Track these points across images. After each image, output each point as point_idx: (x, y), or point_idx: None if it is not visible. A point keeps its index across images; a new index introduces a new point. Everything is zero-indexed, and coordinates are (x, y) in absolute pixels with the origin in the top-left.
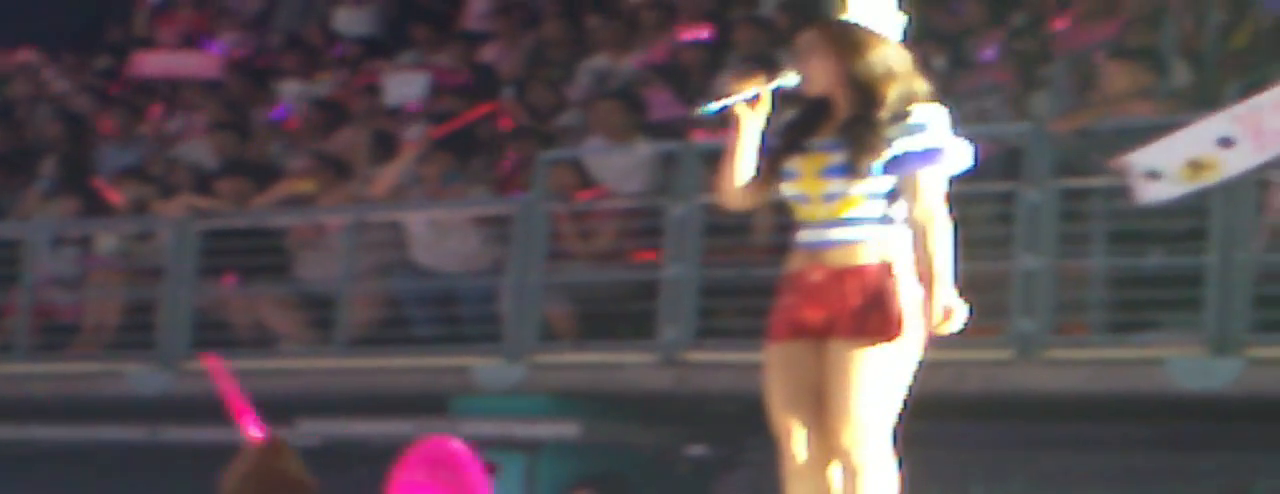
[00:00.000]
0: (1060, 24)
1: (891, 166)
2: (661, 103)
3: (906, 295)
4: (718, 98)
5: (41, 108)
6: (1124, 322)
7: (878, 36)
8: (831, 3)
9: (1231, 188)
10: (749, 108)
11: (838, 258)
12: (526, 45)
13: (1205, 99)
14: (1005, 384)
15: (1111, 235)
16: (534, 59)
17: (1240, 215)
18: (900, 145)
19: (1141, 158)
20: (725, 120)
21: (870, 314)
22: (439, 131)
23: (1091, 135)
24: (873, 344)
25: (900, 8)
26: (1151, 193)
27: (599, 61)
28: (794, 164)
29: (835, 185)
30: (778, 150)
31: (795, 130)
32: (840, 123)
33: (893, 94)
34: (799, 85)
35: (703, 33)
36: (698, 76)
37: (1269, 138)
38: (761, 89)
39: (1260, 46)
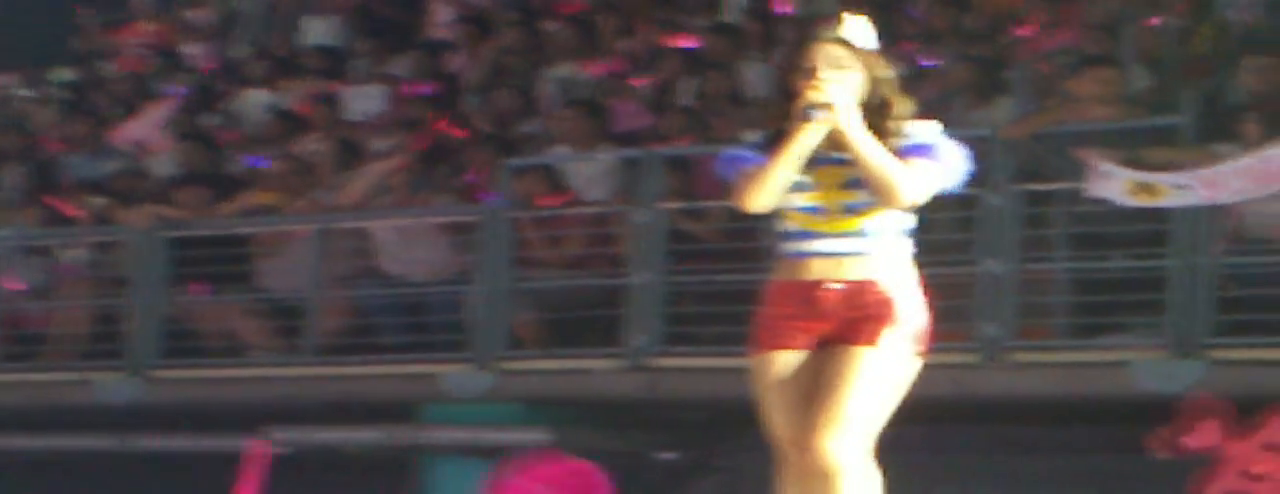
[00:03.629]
0: (1018, 30)
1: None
2: (627, 112)
3: (916, 310)
4: (809, 105)
5: (4, 120)
6: (1087, 325)
7: (874, 53)
8: (826, 20)
9: None
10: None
11: (854, 269)
12: (487, 54)
13: (1163, 104)
14: (971, 388)
15: (1073, 239)
16: (495, 67)
17: (1201, 219)
18: (900, 143)
19: (1102, 160)
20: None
21: (882, 324)
22: (414, 146)
23: (1051, 138)
24: (878, 352)
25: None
26: (1100, 188)
27: (562, 70)
28: (807, 176)
29: (859, 197)
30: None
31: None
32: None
33: (900, 109)
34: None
35: (676, 41)
36: (663, 85)
37: (1221, 189)
38: (838, 98)
39: (1220, 51)
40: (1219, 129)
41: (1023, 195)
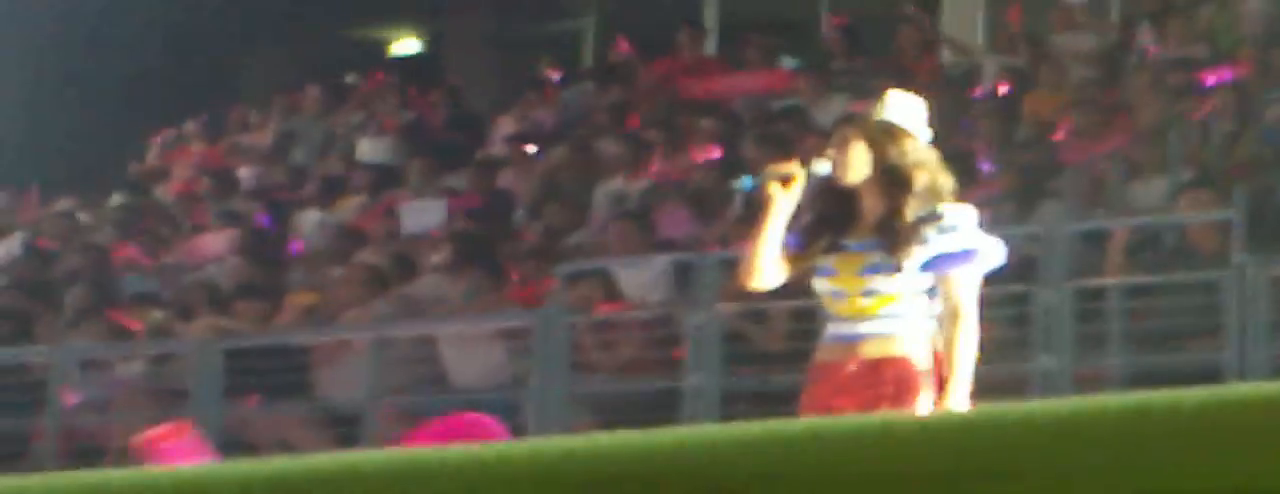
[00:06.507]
0: (1064, 137)
1: (929, 266)
2: (675, 222)
3: (932, 389)
4: (753, 174)
5: (68, 243)
6: None
7: (908, 132)
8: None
9: (1244, 285)
10: (782, 188)
11: (873, 350)
12: (540, 170)
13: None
14: None
15: (1128, 335)
16: (547, 182)
17: (1256, 311)
18: (937, 245)
19: None
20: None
21: (899, 404)
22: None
23: (1101, 237)
24: None
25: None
26: None
27: (613, 185)
28: (830, 262)
29: (875, 283)
30: (812, 247)
31: (827, 227)
32: (875, 220)
33: (921, 182)
34: (832, 173)
35: (713, 153)
36: (711, 196)
37: None
38: (796, 171)
39: (1266, 154)
40: (1272, 231)
41: (1076, 291)
